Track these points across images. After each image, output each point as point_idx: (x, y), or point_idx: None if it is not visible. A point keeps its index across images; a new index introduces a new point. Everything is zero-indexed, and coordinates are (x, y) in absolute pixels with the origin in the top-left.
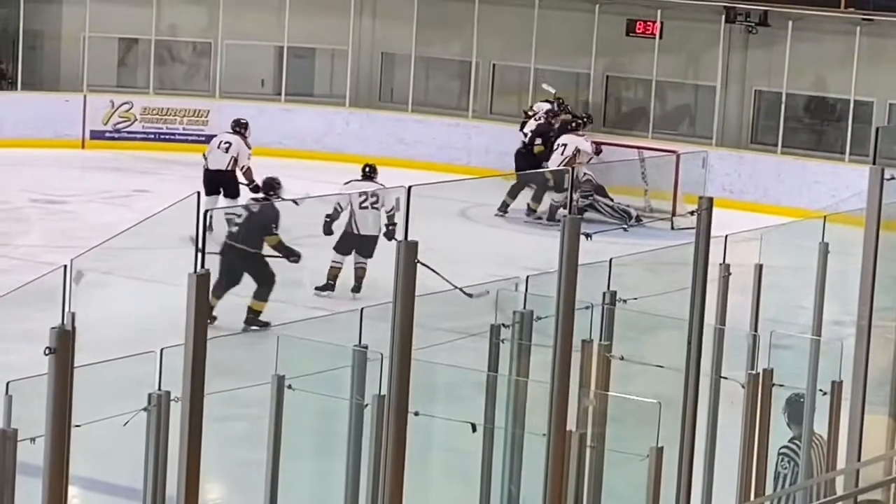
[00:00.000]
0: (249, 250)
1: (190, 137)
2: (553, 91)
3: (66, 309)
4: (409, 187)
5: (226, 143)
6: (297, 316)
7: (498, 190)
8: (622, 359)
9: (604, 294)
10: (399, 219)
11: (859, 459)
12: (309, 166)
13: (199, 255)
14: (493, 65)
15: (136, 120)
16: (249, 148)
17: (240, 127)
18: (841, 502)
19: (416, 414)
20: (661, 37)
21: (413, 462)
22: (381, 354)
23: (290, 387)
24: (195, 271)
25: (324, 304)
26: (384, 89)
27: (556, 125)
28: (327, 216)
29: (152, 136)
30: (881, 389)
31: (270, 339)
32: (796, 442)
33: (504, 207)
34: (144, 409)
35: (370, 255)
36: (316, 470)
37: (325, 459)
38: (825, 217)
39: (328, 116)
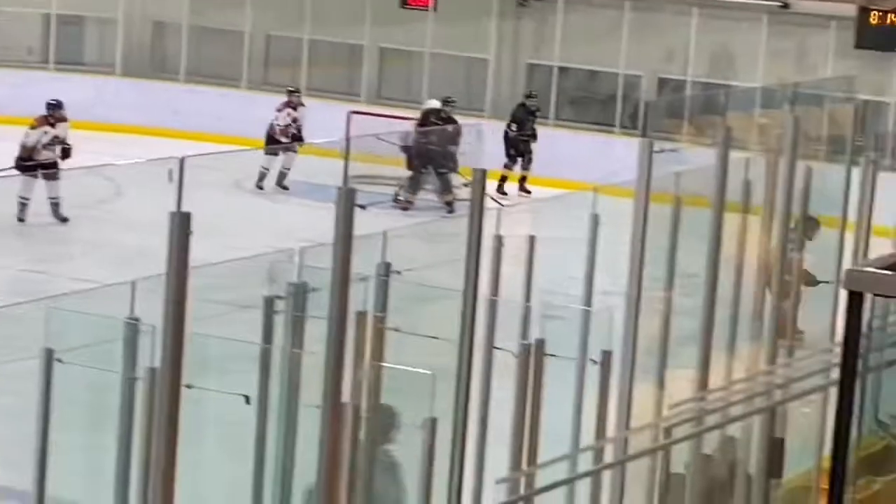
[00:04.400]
0: None
1: None
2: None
3: None
4: (183, 158)
5: None
6: (65, 288)
7: (274, 162)
8: (397, 330)
9: (378, 266)
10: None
11: (628, 427)
12: (79, 136)
13: None
14: (268, 35)
15: None
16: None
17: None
18: (610, 470)
19: (189, 387)
20: (434, 9)
21: (186, 435)
22: (154, 327)
23: (59, 360)
24: None
25: (94, 276)
26: (156, 59)
27: None
28: None
29: None
30: (650, 358)
31: (39, 312)
32: None
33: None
34: None
35: None
36: (87, 444)
37: (97, 433)
38: (596, 189)
39: (99, 85)
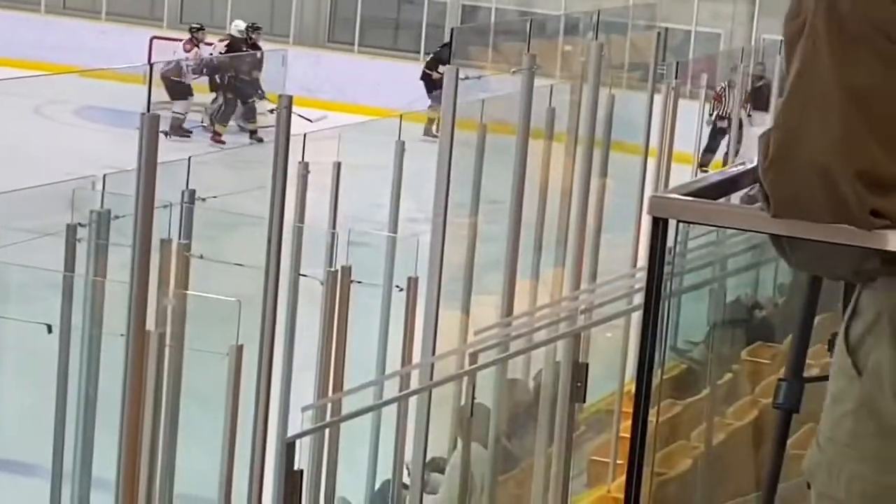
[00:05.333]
0: None
1: None
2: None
3: None
4: None
5: None
6: None
7: (75, 88)
8: (201, 258)
9: (182, 192)
10: None
11: (434, 354)
12: None
13: None
14: None
15: None
16: None
17: None
18: (416, 396)
19: None
20: None
21: None
22: None
23: None
24: None
25: None
26: None
27: None
28: None
29: None
30: (454, 285)
31: None
32: None
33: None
34: None
35: None
36: None
37: None
38: (402, 115)
39: None
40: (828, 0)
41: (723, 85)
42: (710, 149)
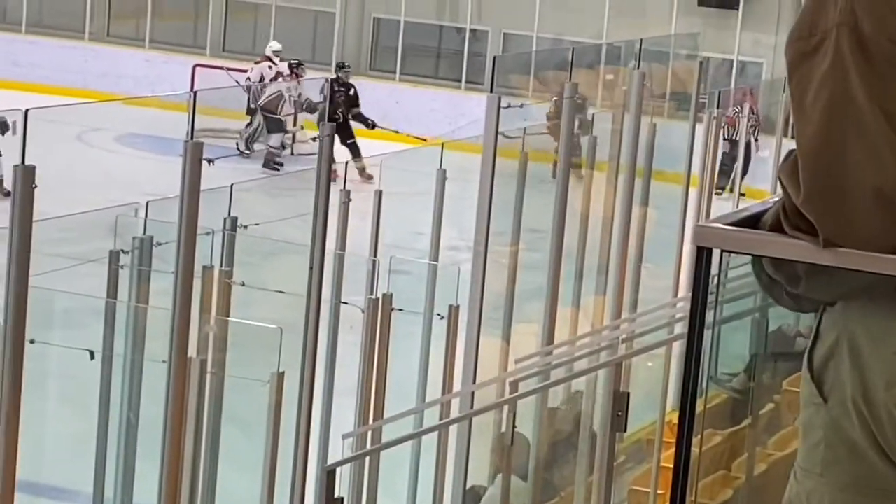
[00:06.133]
0: None
1: None
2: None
3: None
4: (27, 110)
5: None
6: None
7: (118, 115)
8: (243, 285)
9: (225, 220)
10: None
11: (474, 382)
12: None
13: None
14: None
15: None
16: None
17: None
18: (457, 424)
19: (33, 342)
20: None
21: (30, 391)
22: None
23: None
24: None
25: None
26: None
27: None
28: None
29: None
30: (495, 313)
31: None
32: None
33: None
34: None
35: None
36: None
37: None
38: (443, 144)
39: None
40: (850, 22)
41: (736, 110)
42: (723, 172)
